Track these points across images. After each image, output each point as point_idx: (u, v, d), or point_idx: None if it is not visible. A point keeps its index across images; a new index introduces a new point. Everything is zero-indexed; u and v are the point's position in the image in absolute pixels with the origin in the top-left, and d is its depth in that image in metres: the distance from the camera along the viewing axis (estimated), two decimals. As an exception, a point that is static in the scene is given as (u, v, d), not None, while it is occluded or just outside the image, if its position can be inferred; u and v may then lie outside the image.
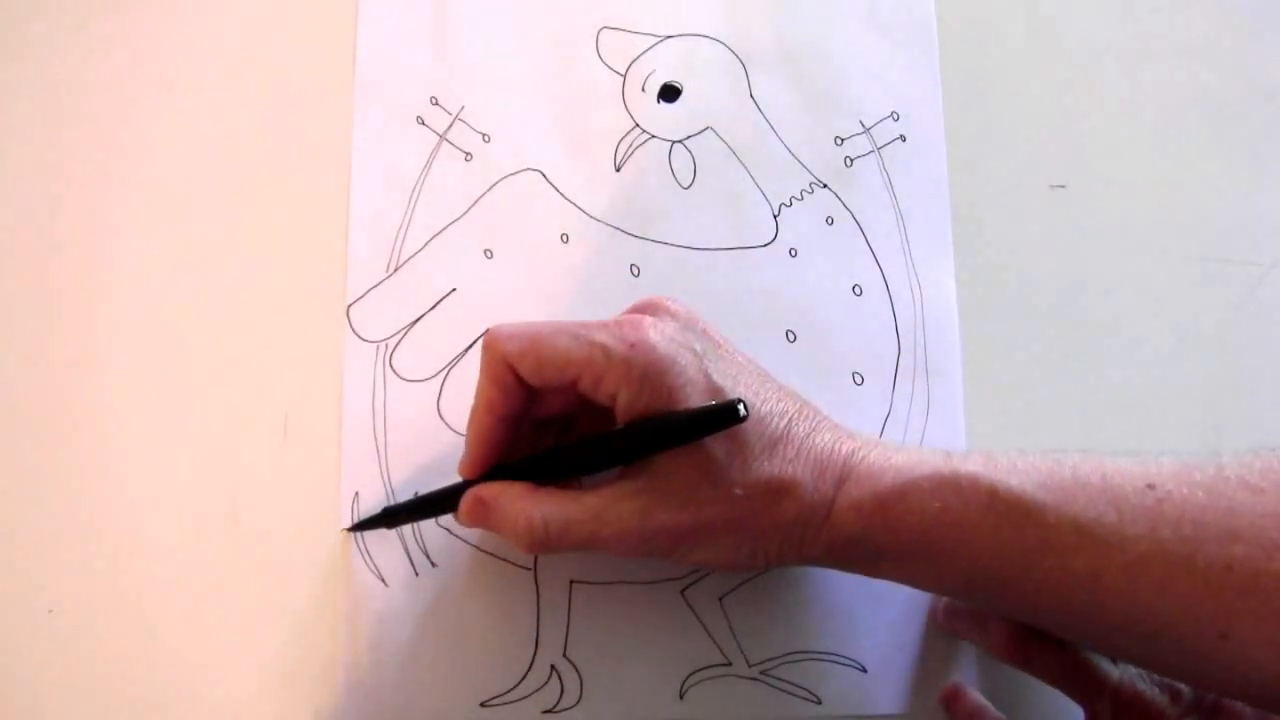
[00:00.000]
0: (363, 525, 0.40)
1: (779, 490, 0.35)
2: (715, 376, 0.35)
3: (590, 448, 0.36)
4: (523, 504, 0.36)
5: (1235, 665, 0.31)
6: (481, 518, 0.37)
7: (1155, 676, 0.38)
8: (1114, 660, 0.38)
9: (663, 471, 0.35)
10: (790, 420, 0.36)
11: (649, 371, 0.34)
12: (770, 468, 0.35)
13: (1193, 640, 0.31)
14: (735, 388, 0.35)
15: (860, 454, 0.36)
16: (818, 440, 0.36)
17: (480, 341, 0.37)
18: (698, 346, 0.36)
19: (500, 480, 0.37)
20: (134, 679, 0.39)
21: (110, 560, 0.40)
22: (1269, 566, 0.30)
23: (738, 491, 0.34)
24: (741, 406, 0.33)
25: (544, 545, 0.35)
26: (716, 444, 0.34)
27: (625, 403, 0.35)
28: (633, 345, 0.35)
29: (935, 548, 0.34)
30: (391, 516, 0.40)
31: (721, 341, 0.37)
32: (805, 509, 0.35)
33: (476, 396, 0.37)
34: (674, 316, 0.36)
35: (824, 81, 0.47)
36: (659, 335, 0.35)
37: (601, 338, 0.35)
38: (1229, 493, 0.32)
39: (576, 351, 0.35)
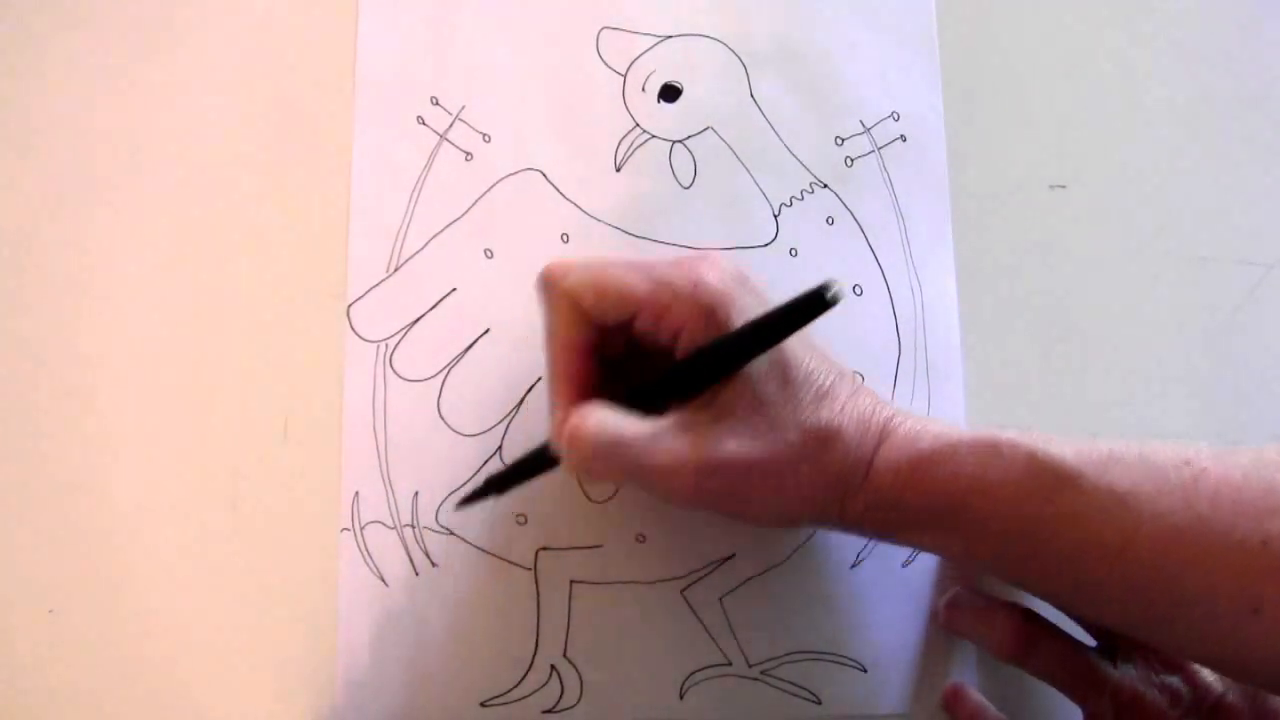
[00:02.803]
0: (471, 499, 0.39)
1: (827, 438, 0.35)
2: None
3: (698, 361, 0.35)
4: (581, 410, 0.34)
5: (1265, 642, 0.31)
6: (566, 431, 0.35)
7: (1155, 677, 0.38)
8: (1115, 661, 0.38)
9: (722, 407, 0.35)
10: (835, 380, 0.36)
11: (716, 308, 0.34)
12: (819, 416, 0.35)
13: (1224, 614, 0.31)
14: (789, 340, 0.35)
15: (898, 420, 0.36)
16: (860, 401, 0.36)
17: (542, 280, 0.36)
18: (750, 299, 0.36)
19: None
20: (134, 679, 0.39)
21: (110, 561, 0.40)
22: None
23: (790, 435, 0.34)
24: (829, 290, 0.32)
25: (588, 459, 0.34)
26: (770, 385, 0.35)
27: (688, 340, 0.35)
28: (695, 284, 0.35)
29: (968, 513, 0.34)
30: (500, 483, 0.38)
31: (768, 299, 0.37)
32: (849, 463, 0.35)
33: (547, 338, 0.37)
34: (724, 267, 0.36)
35: (824, 81, 0.47)
36: (718, 278, 0.35)
37: (666, 273, 0.35)
38: (1267, 474, 0.32)
39: (640, 285, 0.35)
